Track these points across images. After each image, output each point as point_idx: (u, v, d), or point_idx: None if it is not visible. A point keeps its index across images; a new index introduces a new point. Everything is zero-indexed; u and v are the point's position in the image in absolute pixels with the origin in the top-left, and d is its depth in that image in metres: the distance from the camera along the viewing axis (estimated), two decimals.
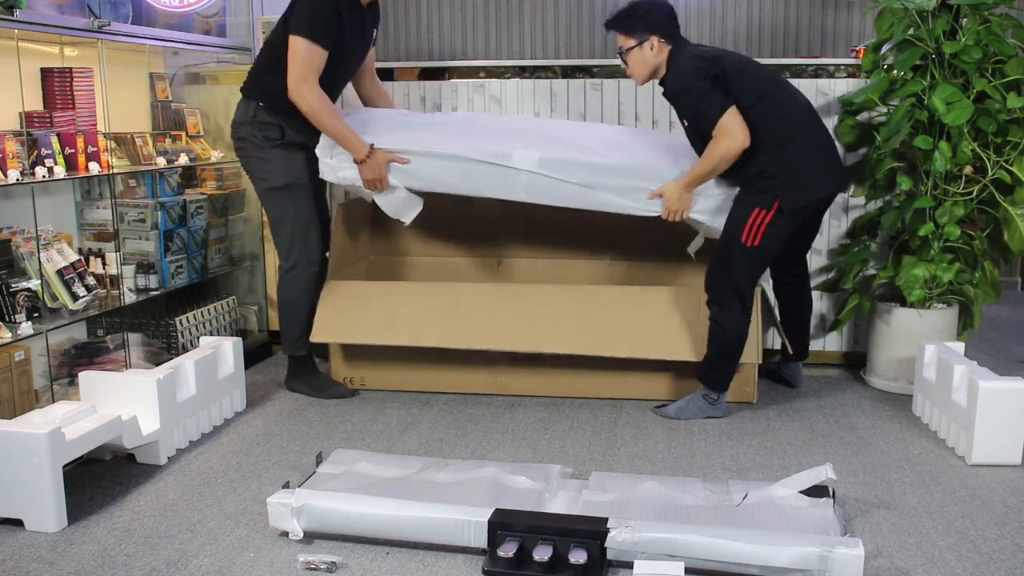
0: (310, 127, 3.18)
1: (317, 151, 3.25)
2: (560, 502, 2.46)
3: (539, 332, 3.30)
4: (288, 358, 3.54)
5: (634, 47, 3.04)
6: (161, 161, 3.58)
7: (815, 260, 3.77)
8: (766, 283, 3.53)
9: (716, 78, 2.96)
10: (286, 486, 2.38)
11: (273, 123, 3.23)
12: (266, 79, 3.21)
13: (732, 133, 2.94)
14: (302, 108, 3.08)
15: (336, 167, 3.23)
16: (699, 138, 3.08)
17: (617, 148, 3.23)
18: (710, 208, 3.16)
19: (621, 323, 3.28)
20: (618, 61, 3.15)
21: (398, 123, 3.34)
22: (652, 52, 3.04)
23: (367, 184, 3.21)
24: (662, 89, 3.13)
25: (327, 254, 3.48)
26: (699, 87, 2.96)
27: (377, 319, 3.39)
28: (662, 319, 3.28)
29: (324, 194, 3.45)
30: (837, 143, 3.51)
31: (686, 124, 3.12)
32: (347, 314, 3.41)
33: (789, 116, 3.04)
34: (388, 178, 3.20)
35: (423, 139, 3.21)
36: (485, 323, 3.33)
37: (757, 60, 3.26)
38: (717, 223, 3.14)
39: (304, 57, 3.03)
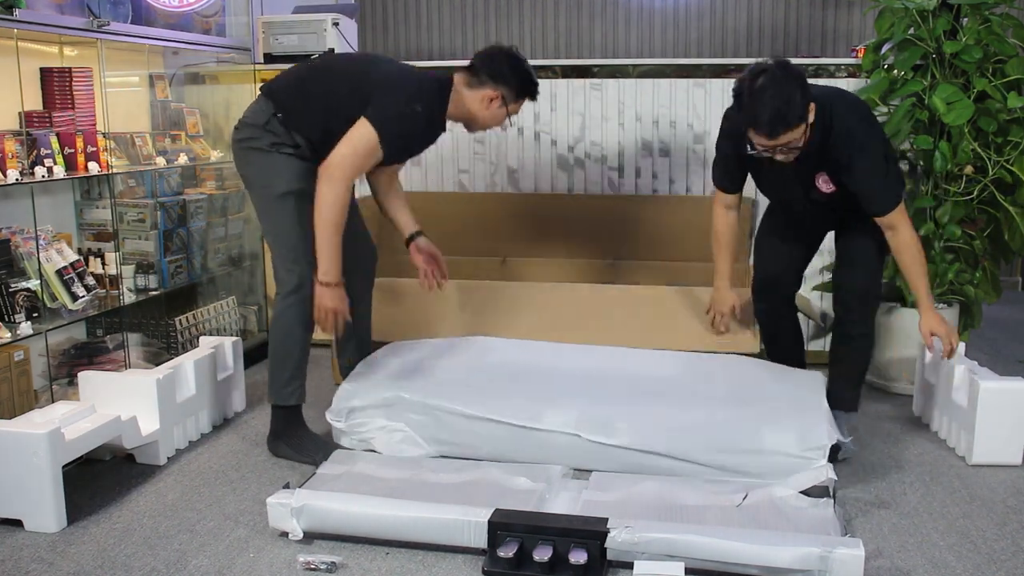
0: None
1: (328, 415, 2.83)
2: (560, 502, 2.46)
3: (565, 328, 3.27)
4: (272, 410, 2.85)
5: (812, 122, 2.55)
6: (161, 161, 3.57)
7: (815, 260, 3.75)
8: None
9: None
10: (286, 486, 2.38)
11: (285, 137, 2.72)
12: (297, 102, 2.73)
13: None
14: (321, 188, 2.60)
15: (349, 431, 2.82)
16: (829, 208, 2.80)
17: (667, 393, 2.81)
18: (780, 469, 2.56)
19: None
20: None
21: (418, 369, 2.96)
22: (812, 114, 2.57)
23: (317, 311, 2.68)
24: (808, 159, 2.64)
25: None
26: (891, 161, 2.59)
27: (387, 318, 3.33)
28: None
29: (355, 216, 2.81)
30: None
31: (830, 189, 2.71)
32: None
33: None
34: (345, 316, 2.70)
35: (443, 391, 2.81)
36: (492, 318, 3.33)
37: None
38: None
39: (361, 151, 2.61)
